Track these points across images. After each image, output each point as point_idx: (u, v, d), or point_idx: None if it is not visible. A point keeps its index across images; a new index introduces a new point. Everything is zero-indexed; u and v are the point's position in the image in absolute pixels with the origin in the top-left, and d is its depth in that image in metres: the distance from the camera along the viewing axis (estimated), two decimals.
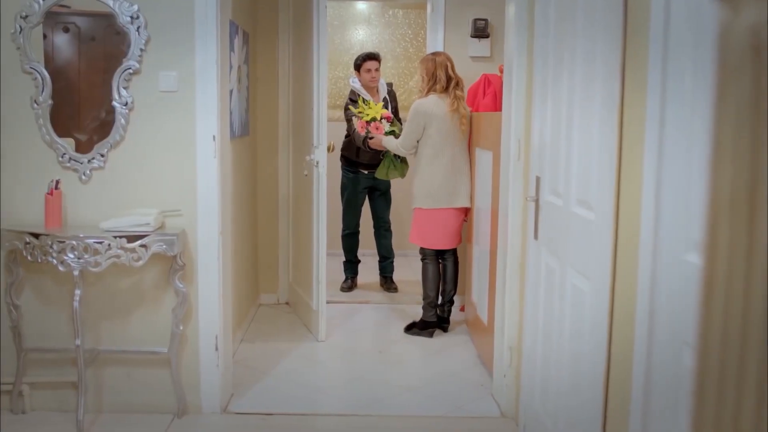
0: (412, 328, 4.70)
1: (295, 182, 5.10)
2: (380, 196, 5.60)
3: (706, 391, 0.91)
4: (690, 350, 1.64)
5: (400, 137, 4.59)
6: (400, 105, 5.60)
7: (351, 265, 5.76)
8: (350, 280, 5.72)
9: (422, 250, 4.65)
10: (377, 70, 5.27)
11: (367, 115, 4.83)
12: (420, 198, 4.51)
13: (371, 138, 4.85)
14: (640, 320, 1.97)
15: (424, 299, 4.68)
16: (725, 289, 0.77)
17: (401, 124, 5.01)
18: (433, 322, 4.65)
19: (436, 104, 4.39)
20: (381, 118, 4.82)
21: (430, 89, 4.46)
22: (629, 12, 2.13)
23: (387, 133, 4.79)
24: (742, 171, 0.66)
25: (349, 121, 5.25)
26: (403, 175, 5.01)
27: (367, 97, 5.24)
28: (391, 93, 5.44)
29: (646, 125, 1.94)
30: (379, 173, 5.00)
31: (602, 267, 2.26)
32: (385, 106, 5.26)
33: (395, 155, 4.85)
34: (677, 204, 1.79)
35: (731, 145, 0.69)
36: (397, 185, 5.59)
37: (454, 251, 4.69)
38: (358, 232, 5.69)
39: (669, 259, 1.83)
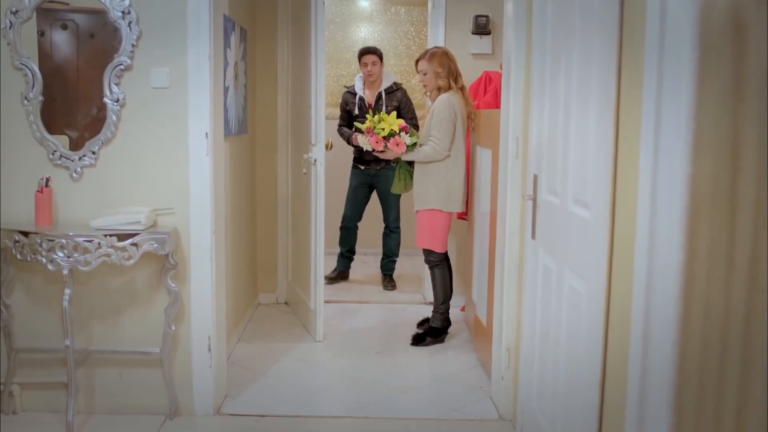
0: (423, 340, 4.46)
1: (294, 181, 5.05)
2: (383, 196, 5.53)
3: (686, 385, 0.86)
4: (673, 346, 1.58)
5: (437, 138, 4.21)
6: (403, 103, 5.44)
7: (342, 258, 5.76)
8: (336, 272, 5.70)
9: (434, 255, 4.43)
10: (374, 64, 5.27)
11: (383, 129, 4.32)
12: (439, 200, 4.29)
13: (381, 152, 4.41)
14: (636, 321, 1.91)
15: (441, 305, 4.47)
16: (706, 284, 0.71)
17: (417, 128, 4.76)
18: (444, 327, 4.53)
19: (459, 102, 4.29)
20: (399, 131, 4.31)
21: (450, 86, 4.30)
22: (626, 8, 2.07)
23: (409, 147, 4.31)
24: (723, 160, 0.60)
25: (343, 110, 5.37)
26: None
27: (359, 89, 5.27)
28: (398, 92, 5.32)
29: (642, 123, 1.87)
30: (397, 188, 4.62)
31: (598, 267, 2.20)
32: (378, 101, 5.20)
33: (406, 163, 4.53)
34: (673, 203, 1.72)
35: (712, 134, 0.63)
36: None
37: None
38: (354, 227, 5.64)
39: (665, 259, 1.77)
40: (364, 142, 4.42)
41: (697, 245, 0.67)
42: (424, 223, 4.38)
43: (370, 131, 4.38)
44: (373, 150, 4.40)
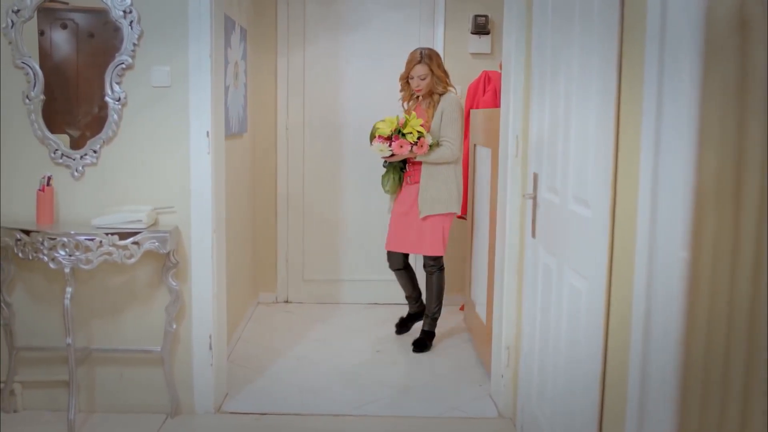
0: (425, 346, 4.36)
1: (315, 181, 5.15)
2: None
3: (689, 383, 0.87)
4: (675, 344, 1.58)
5: (452, 139, 4.11)
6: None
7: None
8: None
9: (437, 259, 4.35)
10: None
11: (410, 134, 4.03)
12: (454, 202, 4.19)
13: (392, 155, 4.11)
14: (636, 320, 1.92)
15: (437, 310, 4.43)
16: (710, 282, 0.72)
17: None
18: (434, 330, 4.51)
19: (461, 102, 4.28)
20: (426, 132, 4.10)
21: (447, 86, 4.23)
22: (626, 6, 2.08)
23: (431, 147, 4.10)
24: (727, 157, 0.61)
25: None
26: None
27: None
28: None
29: (642, 120, 1.88)
30: (393, 188, 4.30)
31: (599, 266, 2.21)
32: None
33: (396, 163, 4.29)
34: (674, 201, 1.73)
35: (716, 131, 0.64)
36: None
37: None
38: None
39: (666, 257, 1.78)
40: (383, 148, 4.06)
41: (701, 243, 0.68)
42: (434, 228, 4.21)
43: (396, 138, 4.04)
44: (391, 155, 4.10)
